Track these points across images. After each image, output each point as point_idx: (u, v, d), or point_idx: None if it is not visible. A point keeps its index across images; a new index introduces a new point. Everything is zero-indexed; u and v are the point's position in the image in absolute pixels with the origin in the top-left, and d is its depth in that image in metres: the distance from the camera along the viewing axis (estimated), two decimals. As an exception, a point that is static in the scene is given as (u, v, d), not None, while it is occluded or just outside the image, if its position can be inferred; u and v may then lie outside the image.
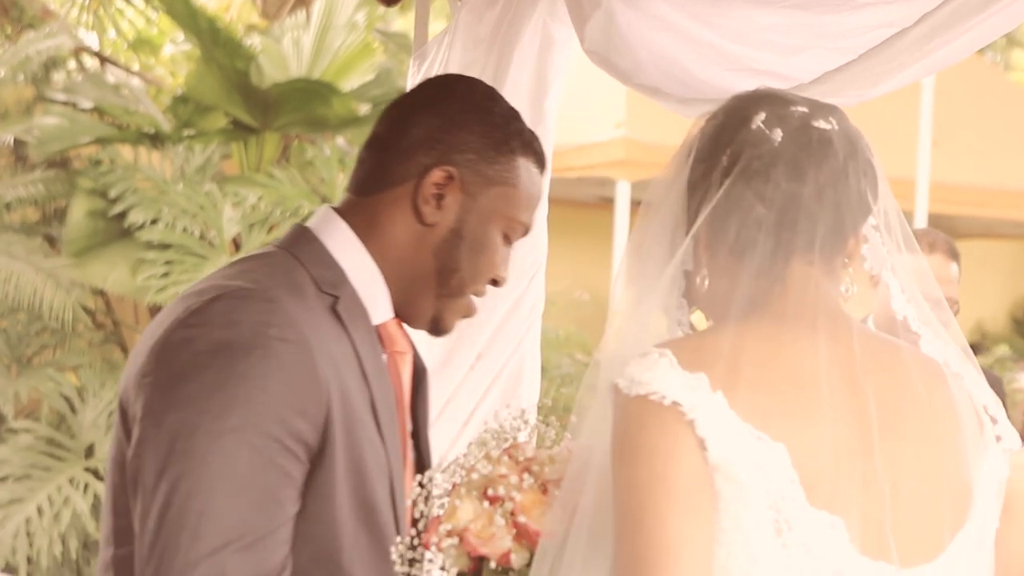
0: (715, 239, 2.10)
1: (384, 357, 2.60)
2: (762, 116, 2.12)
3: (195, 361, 2.34)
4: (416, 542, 2.24)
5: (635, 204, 13.58)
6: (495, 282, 2.67)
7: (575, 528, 2.05)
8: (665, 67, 3.27)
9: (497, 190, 2.63)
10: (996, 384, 5.05)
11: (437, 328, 2.67)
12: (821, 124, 2.12)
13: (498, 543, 2.16)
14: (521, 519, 2.14)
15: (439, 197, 2.60)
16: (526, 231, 2.69)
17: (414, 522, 2.28)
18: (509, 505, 2.16)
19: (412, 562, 2.25)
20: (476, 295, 2.66)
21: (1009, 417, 2.19)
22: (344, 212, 2.64)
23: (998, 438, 2.19)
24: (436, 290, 2.62)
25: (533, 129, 2.78)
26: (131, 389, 2.43)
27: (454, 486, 2.22)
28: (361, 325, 2.53)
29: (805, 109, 2.14)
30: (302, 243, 2.61)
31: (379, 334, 2.61)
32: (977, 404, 2.19)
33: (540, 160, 2.72)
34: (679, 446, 1.95)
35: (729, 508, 1.95)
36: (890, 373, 2.10)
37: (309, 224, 2.65)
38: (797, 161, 2.09)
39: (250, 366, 2.32)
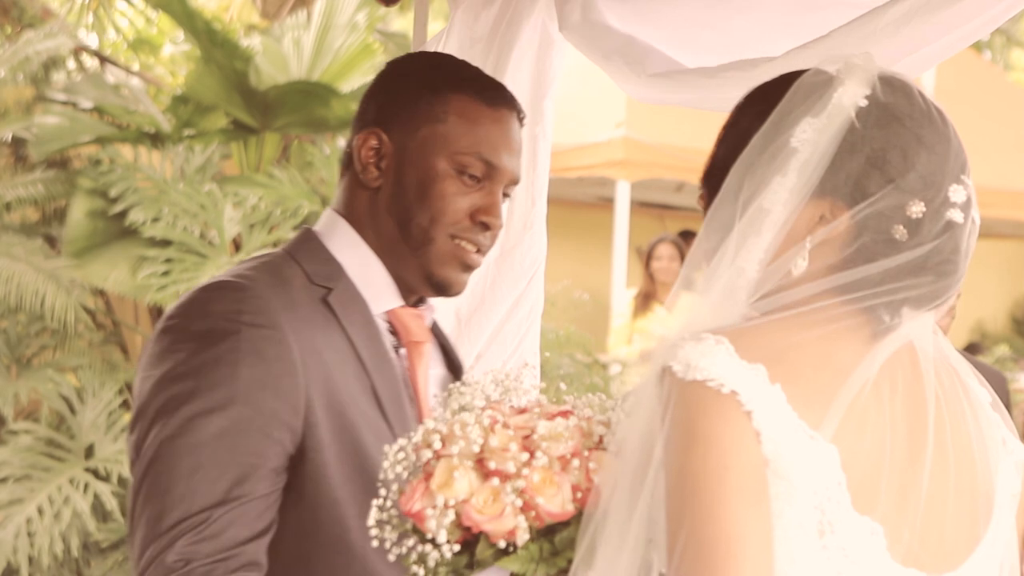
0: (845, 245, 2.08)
1: (402, 349, 2.68)
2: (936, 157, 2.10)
3: (172, 348, 2.49)
4: (391, 505, 2.20)
5: (635, 204, 13.58)
6: (485, 226, 2.68)
7: (607, 509, 2.02)
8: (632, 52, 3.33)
9: (425, 130, 2.68)
10: (999, 381, 5.06)
11: (438, 286, 2.70)
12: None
13: (506, 521, 2.11)
14: (539, 500, 2.10)
15: (377, 160, 2.69)
16: (487, 166, 2.68)
17: (386, 484, 2.24)
18: (520, 483, 2.12)
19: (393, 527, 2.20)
20: (468, 241, 2.68)
21: (1011, 417, 2.19)
22: (340, 209, 2.74)
23: (1003, 442, 2.19)
24: (406, 247, 2.67)
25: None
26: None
27: (437, 453, 2.15)
28: (357, 316, 2.61)
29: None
30: (302, 242, 2.71)
31: (393, 325, 2.68)
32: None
33: (483, 93, 2.74)
34: (738, 436, 1.92)
35: (775, 504, 1.93)
36: (936, 382, 2.10)
37: (315, 226, 2.75)
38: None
39: (222, 351, 2.45)
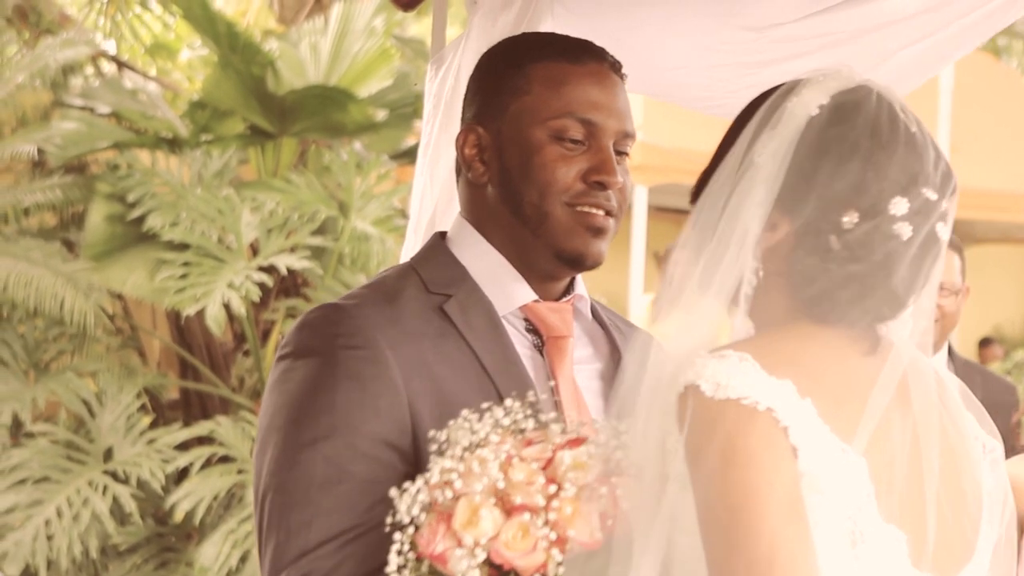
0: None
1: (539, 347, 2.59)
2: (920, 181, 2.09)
3: (277, 379, 2.47)
4: (411, 551, 2.16)
5: (652, 209, 13.60)
6: (601, 185, 2.54)
7: (629, 535, 2.02)
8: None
9: (513, 109, 2.59)
10: (1009, 391, 5.07)
11: (571, 261, 2.57)
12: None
13: (537, 555, 2.09)
14: (571, 532, 2.07)
15: (480, 155, 2.61)
16: (586, 124, 2.56)
17: (401, 528, 2.20)
18: (552, 515, 2.09)
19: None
20: (588, 205, 2.54)
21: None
22: (463, 213, 2.68)
23: (981, 443, 2.20)
24: (527, 231, 2.56)
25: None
26: None
27: (456, 493, 2.13)
28: (479, 320, 2.53)
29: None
30: (427, 250, 2.68)
31: (531, 323, 2.60)
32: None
33: (565, 53, 2.62)
34: (777, 453, 1.93)
35: (810, 517, 1.94)
36: (925, 389, 2.11)
37: (447, 231, 2.69)
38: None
39: (320, 378, 2.41)
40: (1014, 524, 2.21)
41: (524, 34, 2.83)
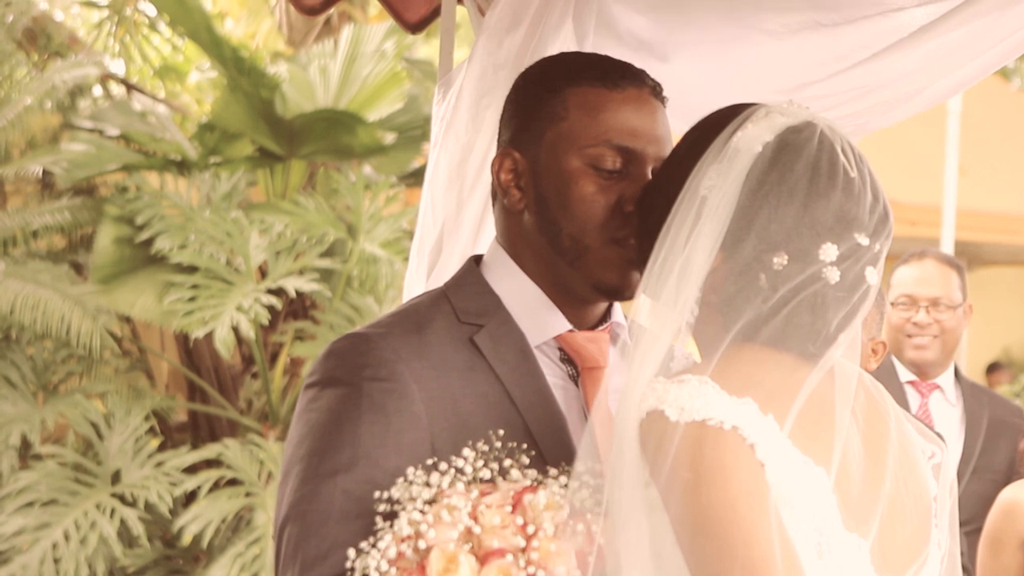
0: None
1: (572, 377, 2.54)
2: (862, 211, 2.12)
3: (304, 408, 2.44)
4: None
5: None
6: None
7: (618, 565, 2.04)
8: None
9: (549, 135, 2.52)
10: (1018, 414, 5.07)
11: (610, 292, 2.52)
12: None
13: None
14: (560, 569, 2.09)
15: (516, 181, 2.55)
16: (623, 153, 2.48)
17: None
18: (534, 555, 2.11)
19: None
20: (628, 238, 2.46)
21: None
22: (499, 239, 2.62)
23: (922, 452, 2.24)
24: (564, 262, 2.50)
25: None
26: None
27: (428, 544, 2.13)
28: (509, 353, 2.48)
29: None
30: (461, 275, 2.61)
31: (566, 352, 2.54)
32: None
33: (604, 78, 2.54)
34: (749, 468, 1.97)
35: None
36: (869, 399, 2.15)
37: (483, 255, 2.64)
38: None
39: (344, 409, 2.38)
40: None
41: (562, 55, 2.75)
